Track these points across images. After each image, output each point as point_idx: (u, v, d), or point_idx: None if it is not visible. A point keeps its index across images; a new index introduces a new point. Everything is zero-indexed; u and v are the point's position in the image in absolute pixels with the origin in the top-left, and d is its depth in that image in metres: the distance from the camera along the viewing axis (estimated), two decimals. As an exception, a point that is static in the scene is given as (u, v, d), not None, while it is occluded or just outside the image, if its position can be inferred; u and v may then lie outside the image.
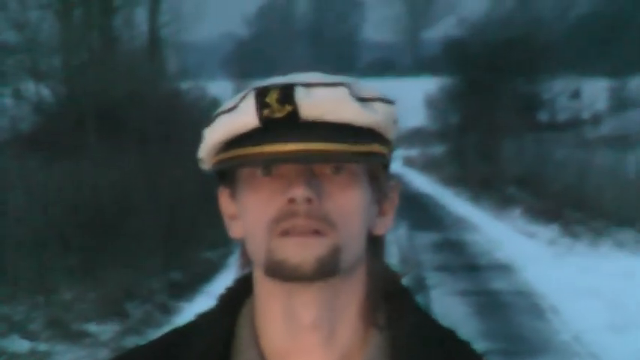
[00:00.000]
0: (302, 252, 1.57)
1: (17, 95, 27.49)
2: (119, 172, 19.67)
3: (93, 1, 28.52)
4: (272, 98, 1.59)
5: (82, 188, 18.50)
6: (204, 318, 1.80)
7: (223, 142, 1.65)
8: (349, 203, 1.63)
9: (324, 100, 1.60)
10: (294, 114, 1.58)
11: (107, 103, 23.62)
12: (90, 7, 28.46)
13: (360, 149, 1.60)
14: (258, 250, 1.64)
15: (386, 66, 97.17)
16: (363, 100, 1.63)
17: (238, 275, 1.81)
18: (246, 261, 1.77)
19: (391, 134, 1.71)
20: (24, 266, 14.78)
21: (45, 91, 27.37)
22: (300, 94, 1.60)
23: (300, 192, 1.56)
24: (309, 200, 1.57)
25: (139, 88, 25.48)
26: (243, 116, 1.61)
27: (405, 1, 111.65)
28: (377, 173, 1.69)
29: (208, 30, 77.20)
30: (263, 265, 1.64)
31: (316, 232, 1.59)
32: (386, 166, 1.74)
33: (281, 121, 1.58)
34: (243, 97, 1.65)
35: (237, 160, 1.65)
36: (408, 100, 47.18)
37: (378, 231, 1.70)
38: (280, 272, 1.59)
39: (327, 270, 1.60)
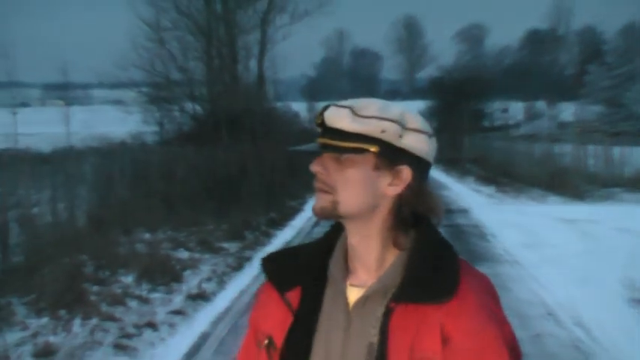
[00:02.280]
0: (315, 203, 1.67)
1: (181, 110, 27.60)
2: (239, 154, 19.54)
3: (225, 55, 28.42)
4: (319, 112, 1.68)
5: (217, 163, 18.54)
6: (323, 236, 1.80)
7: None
8: (345, 177, 1.62)
9: (331, 115, 1.62)
10: (323, 122, 1.64)
11: (233, 115, 23.56)
12: (223, 59, 28.35)
13: (344, 145, 1.60)
14: None
15: (394, 93, 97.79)
16: (359, 116, 1.61)
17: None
18: None
19: (388, 138, 1.63)
20: (185, 210, 14.87)
21: (197, 108, 27.30)
22: (327, 111, 1.65)
23: (313, 167, 1.66)
24: (318, 172, 1.65)
25: (251, 106, 25.36)
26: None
27: (405, 55, 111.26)
28: (380, 161, 1.63)
29: (291, 71, 77.23)
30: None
31: (323, 191, 1.65)
32: (391, 156, 1.65)
33: (320, 126, 1.65)
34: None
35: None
36: None
37: (389, 192, 1.63)
38: (320, 217, 1.69)
39: (327, 214, 1.65)
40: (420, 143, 1.64)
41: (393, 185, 1.62)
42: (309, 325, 1.68)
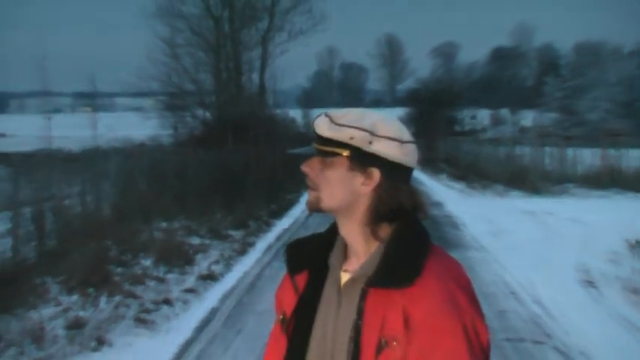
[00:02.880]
0: (307, 197, 1.68)
1: (193, 116, 27.59)
2: (243, 155, 19.47)
3: (231, 68, 28.48)
4: (313, 122, 1.68)
5: (224, 162, 18.43)
6: (326, 231, 1.81)
7: None
8: (327, 177, 1.65)
9: (317, 123, 1.66)
10: (315, 130, 1.66)
11: (238, 120, 23.51)
12: (230, 72, 28.39)
13: (324, 149, 1.63)
14: None
15: (378, 102, 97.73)
16: (335, 124, 1.63)
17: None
18: None
19: (357, 143, 1.64)
20: (196, 202, 14.83)
21: (207, 114, 27.25)
22: (315, 120, 1.67)
23: (303, 168, 1.68)
24: (306, 172, 1.67)
25: (254, 112, 25.31)
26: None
27: (387, 69, 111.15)
28: (352, 164, 1.63)
29: (288, 82, 77.04)
30: None
31: (311, 188, 1.67)
32: (362, 159, 1.66)
33: (314, 133, 1.67)
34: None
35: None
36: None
37: (363, 191, 1.65)
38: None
39: (314, 208, 1.69)
40: (390, 149, 1.64)
41: (365, 185, 1.63)
42: (312, 305, 1.70)
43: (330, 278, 1.72)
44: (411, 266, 1.61)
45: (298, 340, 1.71)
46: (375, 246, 1.69)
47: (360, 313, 1.62)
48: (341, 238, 1.75)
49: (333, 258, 1.74)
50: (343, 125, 1.64)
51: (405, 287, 1.58)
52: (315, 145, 1.68)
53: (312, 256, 1.77)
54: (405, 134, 1.70)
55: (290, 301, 1.76)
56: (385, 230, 1.68)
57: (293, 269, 1.77)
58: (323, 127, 1.65)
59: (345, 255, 1.73)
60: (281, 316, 1.77)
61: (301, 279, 1.76)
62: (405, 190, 1.67)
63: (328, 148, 1.64)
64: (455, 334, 1.54)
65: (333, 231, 1.78)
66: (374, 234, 1.68)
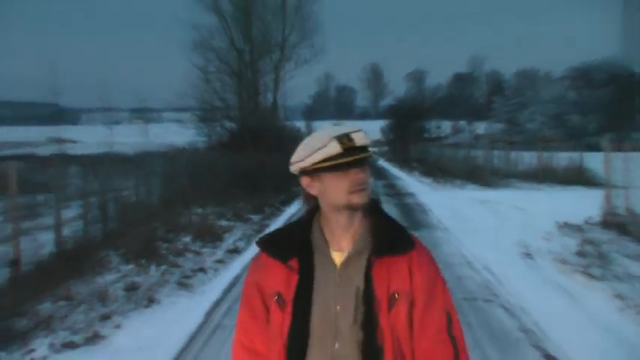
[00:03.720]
0: (363, 199, 1.62)
1: (221, 126, 27.23)
2: (259, 157, 19.33)
3: (251, 90, 28.34)
4: (343, 139, 1.58)
5: (245, 164, 18.33)
6: (301, 218, 1.73)
7: (322, 159, 1.60)
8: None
9: (359, 137, 1.59)
10: (353, 144, 1.58)
11: (256, 130, 23.34)
12: (249, 92, 28.25)
13: (368, 155, 1.61)
14: (338, 199, 1.62)
15: (365, 115, 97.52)
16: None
17: (308, 206, 1.75)
18: (308, 200, 1.71)
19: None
20: (224, 193, 14.85)
21: (232, 125, 27.04)
22: (353, 136, 1.59)
23: (366, 176, 1.61)
24: (364, 177, 1.61)
25: (268, 124, 25.18)
26: (331, 149, 1.57)
27: (372, 90, 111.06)
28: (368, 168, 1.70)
29: (295, 100, 76.85)
30: (343, 205, 1.63)
31: (366, 189, 1.62)
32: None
33: (349, 148, 1.58)
34: (326, 144, 1.61)
35: (334, 164, 1.60)
36: (373, 129, 48.79)
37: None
38: (353, 207, 1.62)
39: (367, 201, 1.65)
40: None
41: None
42: (309, 282, 1.64)
43: (318, 258, 1.66)
44: (407, 237, 1.68)
45: (302, 314, 1.63)
46: (361, 228, 1.67)
47: (369, 279, 1.61)
48: (317, 225, 1.70)
49: (318, 241, 1.68)
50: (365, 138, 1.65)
51: (409, 252, 1.65)
52: (362, 155, 1.62)
53: (299, 241, 1.69)
54: (367, 139, 1.70)
55: (284, 282, 1.67)
56: (360, 217, 1.69)
57: (284, 255, 1.68)
58: (365, 138, 1.63)
59: (324, 238, 1.68)
60: (276, 297, 1.66)
61: (293, 262, 1.67)
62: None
63: (368, 154, 1.63)
64: (443, 282, 1.70)
65: (308, 219, 1.72)
66: (355, 220, 1.67)
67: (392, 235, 1.67)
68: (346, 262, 1.63)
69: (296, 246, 1.67)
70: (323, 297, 1.62)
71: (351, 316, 1.60)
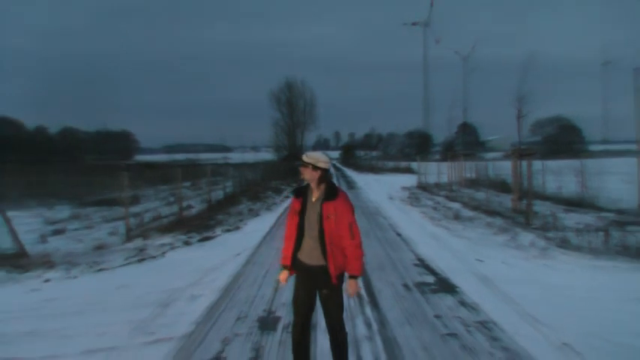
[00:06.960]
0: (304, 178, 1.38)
1: (276, 151, 24.84)
2: (292, 165, 15.76)
3: (292, 138, 25.04)
4: (328, 159, 1.41)
5: (287, 167, 15.15)
6: (303, 185, 1.53)
7: (327, 165, 1.44)
8: (309, 173, 1.42)
9: (304, 157, 1.42)
10: (303, 159, 1.36)
11: (293, 154, 21.60)
12: (292, 139, 25.09)
13: (306, 163, 1.42)
14: (315, 180, 1.44)
15: (326, 146, 74.68)
16: (307, 157, 1.44)
17: (305, 181, 1.48)
18: (306, 179, 1.48)
19: (315, 163, 1.42)
20: (281, 177, 13.51)
21: (285, 152, 24.79)
22: (303, 156, 1.41)
23: (301, 170, 1.37)
24: (301, 171, 1.40)
25: (297, 152, 22.70)
26: (328, 162, 1.43)
27: (336, 139, 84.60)
28: (313, 169, 1.45)
29: (309, 141, 50.32)
30: (315, 181, 1.42)
31: (304, 177, 1.42)
32: (316, 167, 1.42)
33: (302, 159, 1.34)
34: (327, 160, 1.44)
35: (327, 168, 1.43)
36: (336, 154, 39.49)
37: (317, 175, 1.46)
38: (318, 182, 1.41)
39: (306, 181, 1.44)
40: (322, 164, 1.48)
41: (317, 174, 1.49)
42: (305, 207, 1.49)
43: (308, 199, 1.50)
44: (336, 192, 1.48)
45: (302, 218, 1.49)
46: (320, 190, 1.48)
47: (320, 209, 1.46)
48: (311, 187, 1.51)
49: (308, 193, 1.52)
50: (310, 158, 1.47)
51: (335, 199, 1.46)
52: (302, 162, 1.45)
53: (304, 193, 1.52)
54: (324, 161, 1.46)
55: (298, 206, 1.50)
56: (321, 185, 1.51)
57: (297, 196, 1.51)
58: (305, 158, 1.46)
59: (312, 193, 1.53)
60: (298, 210, 1.49)
61: (301, 199, 1.51)
62: (327, 175, 1.50)
63: (306, 164, 1.45)
64: (350, 209, 1.47)
65: (307, 186, 1.54)
66: (320, 186, 1.48)
67: (331, 192, 1.48)
68: (315, 202, 1.50)
69: (302, 194, 1.51)
70: (308, 213, 1.49)
71: (315, 222, 1.48)
